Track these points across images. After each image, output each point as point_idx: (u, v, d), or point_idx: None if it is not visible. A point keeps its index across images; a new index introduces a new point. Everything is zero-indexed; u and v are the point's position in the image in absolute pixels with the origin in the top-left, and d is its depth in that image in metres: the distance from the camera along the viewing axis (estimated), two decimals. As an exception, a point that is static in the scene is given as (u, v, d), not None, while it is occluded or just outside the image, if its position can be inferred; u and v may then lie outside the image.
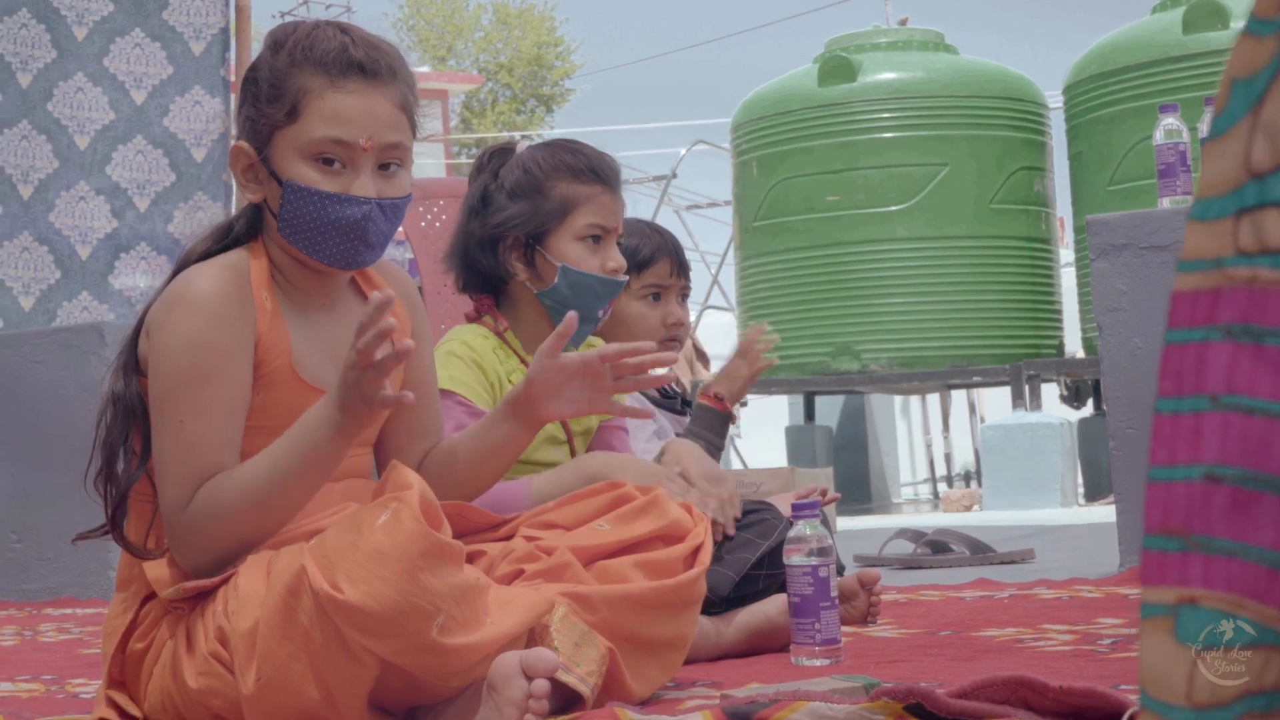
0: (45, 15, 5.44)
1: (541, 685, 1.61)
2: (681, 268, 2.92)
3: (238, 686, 1.69)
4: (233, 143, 1.95)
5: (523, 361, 2.46)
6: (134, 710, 1.85)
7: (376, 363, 1.69)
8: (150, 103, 5.49)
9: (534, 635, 1.77)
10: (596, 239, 2.46)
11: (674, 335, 2.91)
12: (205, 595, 1.79)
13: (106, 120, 5.47)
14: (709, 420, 2.95)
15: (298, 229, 1.88)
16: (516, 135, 29.60)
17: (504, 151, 2.57)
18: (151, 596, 1.85)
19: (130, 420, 1.88)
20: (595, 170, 2.48)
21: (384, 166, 1.89)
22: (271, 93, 1.88)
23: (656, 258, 2.89)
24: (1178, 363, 0.77)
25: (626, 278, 2.52)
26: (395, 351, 1.68)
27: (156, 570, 1.83)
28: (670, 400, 3.02)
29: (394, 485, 1.68)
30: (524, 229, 2.46)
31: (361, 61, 1.87)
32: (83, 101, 5.45)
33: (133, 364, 1.90)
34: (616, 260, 2.48)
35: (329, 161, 1.86)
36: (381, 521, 1.62)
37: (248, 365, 1.84)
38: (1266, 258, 0.74)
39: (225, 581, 1.77)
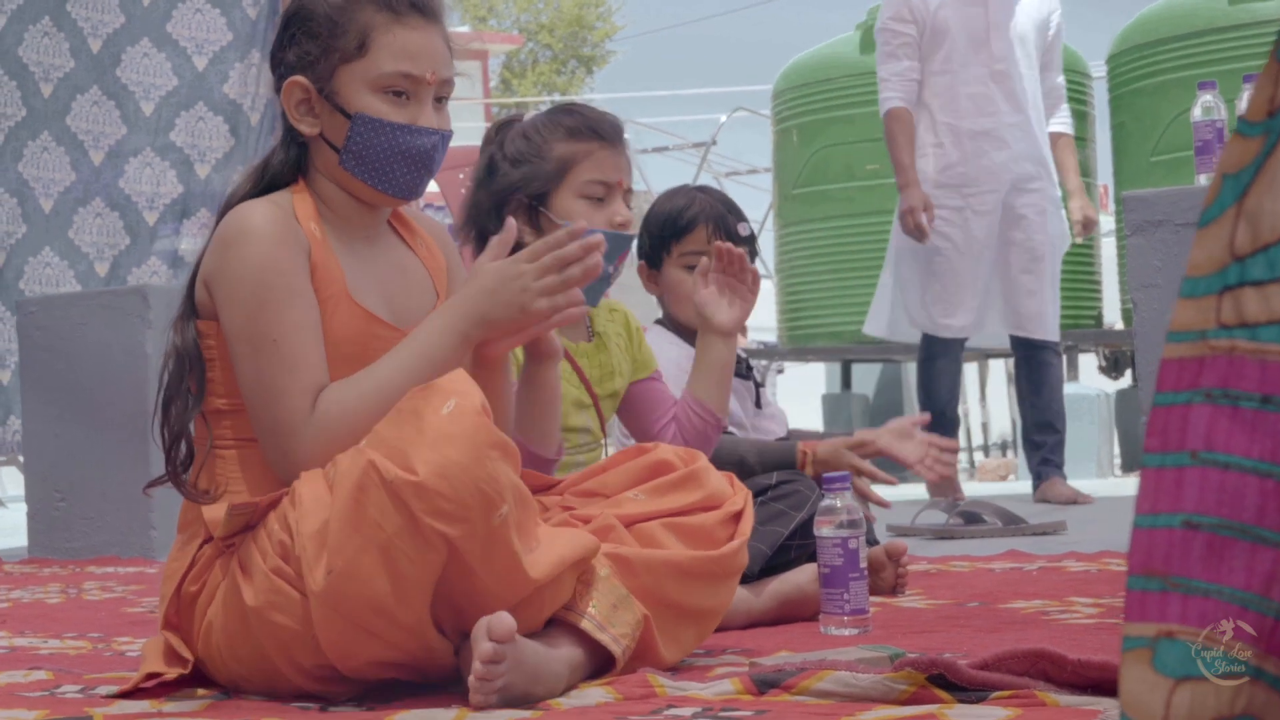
0: None
1: (487, 649, 1.64)
2: (724, 233, 2.88)
3: (299, 601, 1.73)
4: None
5: None
6: (186, 653, 1.88)
7: (564, 272, 1.85)
8: (211, 69, 5.55)
9: (581, 584, 1.82)
10: (599, 197, 2.49)
11: None
12: (254, 526, 1.83)
13: (170, 86, 5.54)
14: (779, 455, 2.81)
15: (365, 160, 1.94)
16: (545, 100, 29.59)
17: (509, 123, 2.61)
18: (209, 541, 1.89)
19: (187, 367, 1.93)
20: (592, 128, 2.52)
21: (436, 100, 1.97)
22: (335, 29, 1.93)
23: (695, 223, 2.88)
24: (1164, 422, 0.85)
25: (633, 233, 2.53)
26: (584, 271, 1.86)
27: (213, 511, 1.86)
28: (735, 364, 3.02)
29: (450, 382, 1.72)
30: (526, 191, 2.50)
31: (420, 0, 1.95)
32: (148, 67, 5.52)
33: (189, 312, 1.94)
34: (623, 215, 2.50)
35: (396, 94, 1.93)
36: (446, 412, 1.67)
37: (311, 288, 1.90)
38: (1244, 330, 0.83)
39: (273, 505, 1.82)
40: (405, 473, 1.64)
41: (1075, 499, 5.24)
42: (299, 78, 1.96)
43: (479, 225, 2.54)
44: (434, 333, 1.86)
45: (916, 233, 5.31)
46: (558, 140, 2.50)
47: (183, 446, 1.95)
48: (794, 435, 3.05)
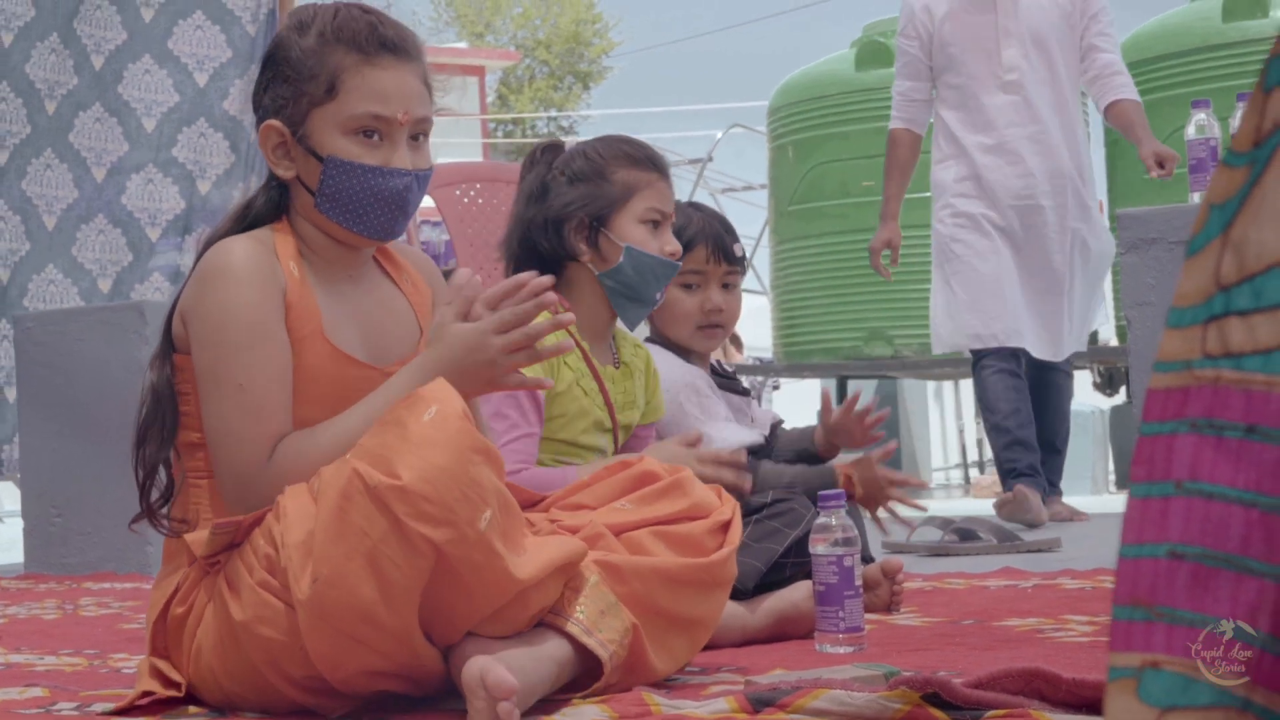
0: None
1: (507, 708, 1.65)
2: (723, 254, 2.91)
3: (286, 613, 1.74)
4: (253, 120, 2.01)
5: (577, 344, 2.53)
6: (176, 676, 1.89)
7: (530, 350, 1.82)
8: (211, 85, 5.56)
9: (569, 590, 1.83)
10: (655, 224, 2.59)
11: (713, 322, 2.91)
12: (238, 544, 1.84)
13: (171, 103, 5.55)
14: (821, 482, 2.73)
15: (339, 202, 1.95)
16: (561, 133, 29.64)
17: (555, 147, 2.69)
18: (192, 564, 1.90)
19: (161, 405, 1.95)
20: (652, 160, 2.63)
21: (413, 138, 1.97)
22: (306, 72, 1.94)
23: (694, 243, 2.89)
24: (1149, 452, 0.86)
25: (680, 261, 2.63)
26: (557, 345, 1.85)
27: (194, 536, 1.88)
28: (730, 381, 3.05)
29: (431, 391, 1.74)
30: (588, 210, 2.57)
31: (392, 39, 1.95)
32: (150, 84, 5.53)
33: (167, 350, 1.96)
34: (673, 244, 2.61)
35: (368, 135, 1.94)
36: (428, 418, 1.69)
37: (285, 330, 1.91)
38: (1228, 360, 0.84)
39: (256, 522, 1.82)
40: (389, 478, 1.66)
41: (1071, 517, 5.16)
42: (274, 121, 1.97)
43: (529, 242, 2.60)
44: (399, 393, 1.84)
45: (879, 272, 5.25)
46: (621, 166, 2.59)
47: (162, 477, 1.96)
48: (781, 434, 3.05)
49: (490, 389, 1.87)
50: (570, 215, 2.56)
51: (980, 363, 5.13)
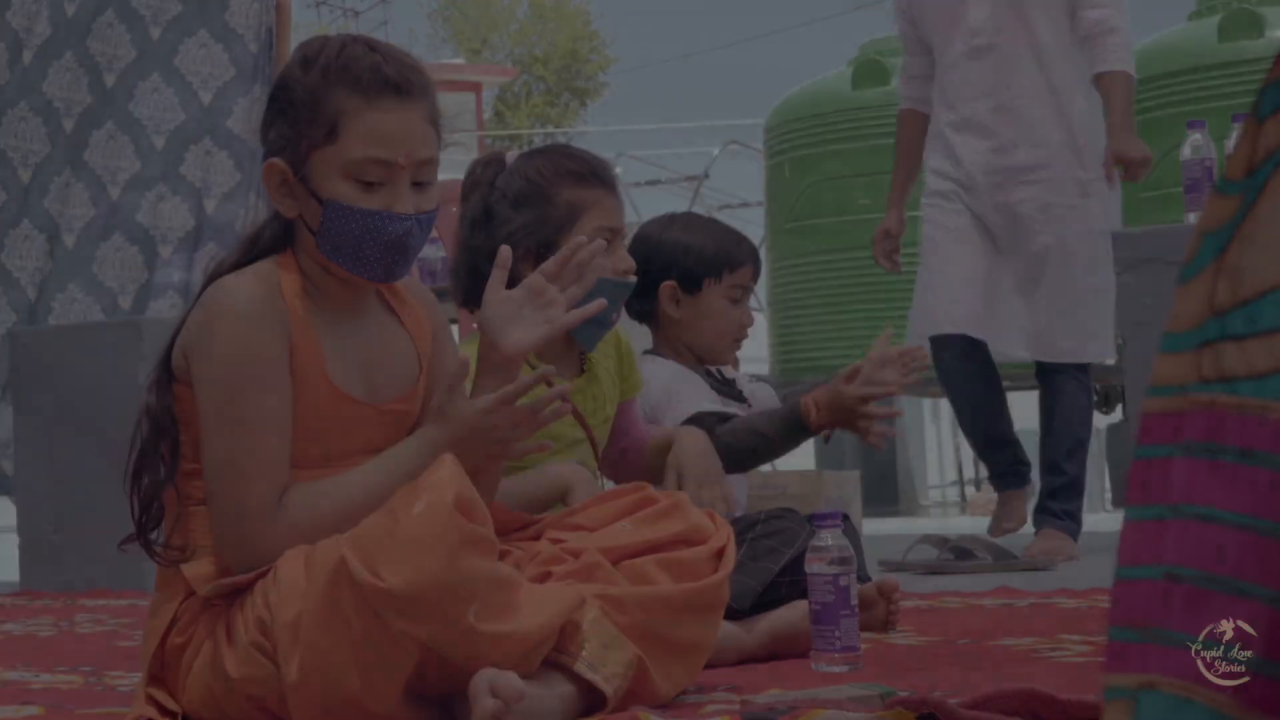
0: (126, 15, 5.53)
1: (490, 707, 1.66)
2: (758, 273, 3.05)
3: (278, 675, 1.76)
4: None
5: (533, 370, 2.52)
6: (172, 705, 1.90)
7: (536, 419, 1.87)
8: (216, 104, 5.57)
9: (566, 632, 1.83)
10: (606, 242, 2.46)
11: (744, 336, 3.05)
12: (242, 590, 1.85)
13: (178, 121, 5.56)
14: (787, 426, 2.82)
15: (338, 246, 1.92)
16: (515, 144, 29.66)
17: (495, 162, 2.58)
18: (190, 595, 1.90)
19: (161, 432, 1.93)
20: (597, 174, 2.52)
21: (417, 181, 1.94)
22: (308, 113, 1.91)
23: (745, 262, 2.99)
24: (1145, 475, 0.87)
25: (635, 279, 2.54)
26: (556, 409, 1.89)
27: (194, 569, 1.88)
28: (729, 387, 3.07)
29: (427, 477, 1.75)
30: (535, 237, 2.47)
31: (395, 80, 1.91)
32: (158, 102, 5.54)
33: (166, 379, 1.94)
34: (626, 262, 2.51)
35: (369, 179, 1.91)
36: (417, 512, 1.69)
37: (289, 373, 1.90)
38: (1223, 384, 0.84)
39: (260, 576, 1.83)
40: (374, 578, 1.67)
41: (1050, 556, 4.34)
42: (276, 160, 1.94)
43: (477, 270, 2.49)
44: (408, 462, 1.87)
45: (880, 262, 4.66)
46: (565, 185, 2.49)
47: (152, 507, 1.96)
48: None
49: (495, 462, 1.92)
50: (517, 244, 2.43)
51: (936, 357, 4.41)
